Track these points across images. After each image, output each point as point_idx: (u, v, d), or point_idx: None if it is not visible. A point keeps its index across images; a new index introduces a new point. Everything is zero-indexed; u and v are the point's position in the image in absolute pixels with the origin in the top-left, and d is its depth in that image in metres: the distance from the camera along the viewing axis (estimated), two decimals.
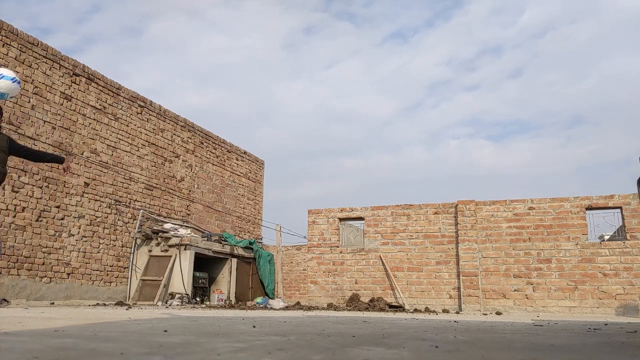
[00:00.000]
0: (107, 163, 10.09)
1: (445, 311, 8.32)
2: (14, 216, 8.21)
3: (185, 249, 10.21)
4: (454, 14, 53.73)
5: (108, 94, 10.34)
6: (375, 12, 54.77)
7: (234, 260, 11.63)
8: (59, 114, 9.15)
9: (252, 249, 12.37)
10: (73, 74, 9.56)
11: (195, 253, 10.37)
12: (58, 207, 8.88)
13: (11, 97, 5.46)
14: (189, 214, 12.33)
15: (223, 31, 58.16)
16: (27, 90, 8.63)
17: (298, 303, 9.89)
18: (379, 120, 58.00)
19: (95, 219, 9.72)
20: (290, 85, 59.44)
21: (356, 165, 53.18)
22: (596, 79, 50.20)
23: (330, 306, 9.06)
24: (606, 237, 8.68)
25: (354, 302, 9.23)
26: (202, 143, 13.13)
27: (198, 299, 10.42)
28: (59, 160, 5.48)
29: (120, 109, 10.61)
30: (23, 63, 8.58)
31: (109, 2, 54.10)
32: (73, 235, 9.17)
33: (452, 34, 52.43)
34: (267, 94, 57.18)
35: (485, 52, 54.20)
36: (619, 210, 8.48)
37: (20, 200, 8.33)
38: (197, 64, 58.73)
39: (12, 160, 8.27)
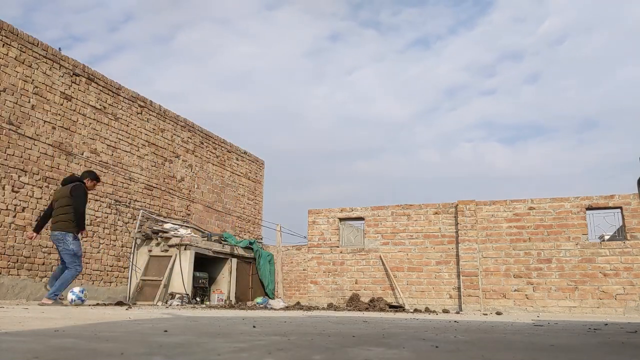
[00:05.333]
0: (107, 163, 10.09)
1: (445, 311, 8.31)
2: (14, 216, 8.21)
3: (185, 249, 10.21)
4: (478, 22, 53.97)
5: (108, 94, 10.34)
6: (401, 21, 55.06)
7: (234, 260, 11.63)
8: (59, 114, 9.16)
9: (252, 249, 12.36)
10: (73, 74, 9.56)
11: (195, 253, 10.37)
12: None
13: None
14: (189, 214, 12.33)
15: (252, 40, 58.60)
16: (27, 90, 8.63)
17: (298, 303, 9.89)
18: (396, 123, 58.29)
19: (95, 219, 9.72)
20: (313, 90, 59.82)
21: (370, 168, 53.38)
22: (608, 85, 50.42)
23: (330, 306, 9.06)
24: (606, 237, 8.68)
25: (354, 302, 9.23)
26: (202, 143, 13.13)
27: (198, 299, 10.42)
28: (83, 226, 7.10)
29: (121, 108, 10.62)
30: (23, 63, 8.58)
31: (142, 12, 54.47)
32: None
33: (474, 40, 52.72)
34: (291, 99, 57.51)
35: (505, 57, 54.42)
36: (619, 210, 8.48)
37: (20, 200, 8.33)
38: (223, 71, 59.08)
39: (12, 160, 8.28)
